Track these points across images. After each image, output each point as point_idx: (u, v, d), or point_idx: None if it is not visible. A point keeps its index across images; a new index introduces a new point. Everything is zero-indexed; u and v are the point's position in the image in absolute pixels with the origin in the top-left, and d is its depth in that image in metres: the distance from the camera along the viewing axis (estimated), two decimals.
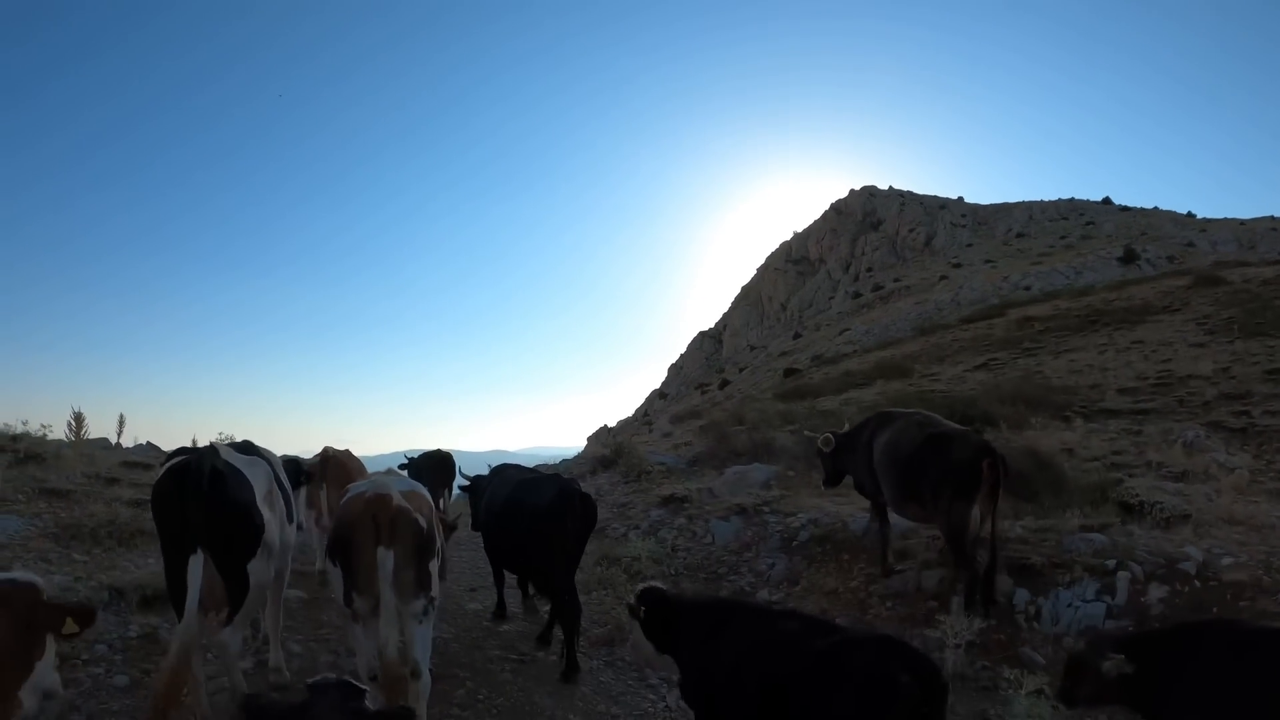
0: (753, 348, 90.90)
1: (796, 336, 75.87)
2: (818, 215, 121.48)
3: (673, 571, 10.77)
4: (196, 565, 5.41)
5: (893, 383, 25.79)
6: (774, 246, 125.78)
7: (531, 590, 9.55)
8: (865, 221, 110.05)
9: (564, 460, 28.63)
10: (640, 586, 5.83)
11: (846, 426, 10.29)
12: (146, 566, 9.12)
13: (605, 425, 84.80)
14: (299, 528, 8.04)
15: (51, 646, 4.18)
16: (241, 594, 5.87)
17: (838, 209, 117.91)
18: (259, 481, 6.39)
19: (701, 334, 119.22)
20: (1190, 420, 14.48)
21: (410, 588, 5.61)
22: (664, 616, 5.53)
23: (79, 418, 16.67)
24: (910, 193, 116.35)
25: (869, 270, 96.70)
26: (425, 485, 7.06)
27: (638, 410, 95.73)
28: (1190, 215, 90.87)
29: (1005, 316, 38.22)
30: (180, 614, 5.54)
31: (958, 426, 8.95)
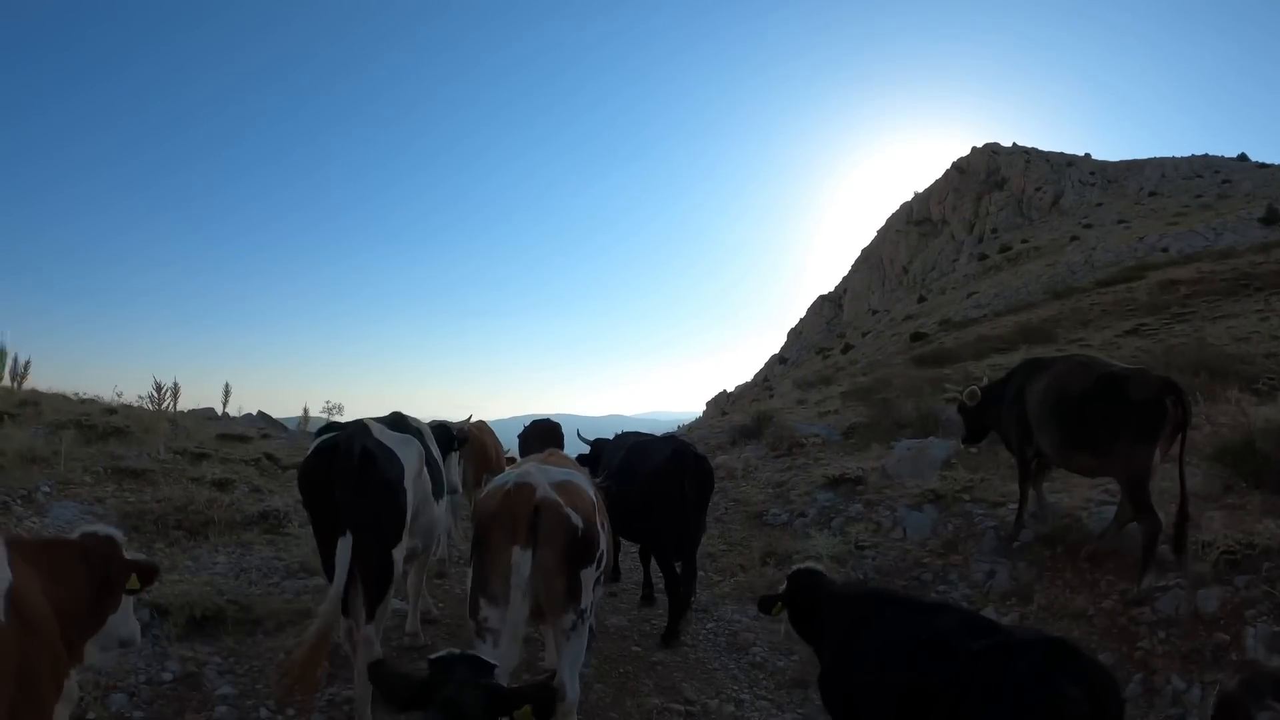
0: (874, 311, 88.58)
1: (921, 300, 73.28)
2: (939, 174, 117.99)
3: (861, 575, 8.90)
4: (345, 547, 5.14)
5: (1036, 347, 23.94)
6: (894, 207, 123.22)
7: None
8: (989, 180, 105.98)
9: (680, 425, 27.84)
10: (794, 568, 5.06)
11: (985, 381, 9.37)
12: (211, 569, 8.26)
13: (724, 390, 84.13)
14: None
15: (127, 601, 4.11)
16: (385, 581, 5.50)
17: (960, 168, 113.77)
18: (410, 461, 6.07)
19: (821, 298, 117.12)
20: None
21: (560, 600, 4.70)
22: (809, 604, 4.82)
23: (173, 389, 15.93)
24: (1035, 150, 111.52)
25: (994, 231, 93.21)
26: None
27: (757, 375, 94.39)
28: None
29: (1145, 279, 35.73)
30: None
31: (1127, 365, 7.72)
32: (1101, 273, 47.06)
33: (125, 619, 4.07)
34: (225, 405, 21.89)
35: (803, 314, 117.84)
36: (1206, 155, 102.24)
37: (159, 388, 14.50)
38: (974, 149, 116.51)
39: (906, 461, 11.59)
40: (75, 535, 3.99)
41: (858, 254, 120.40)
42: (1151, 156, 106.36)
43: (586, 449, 10.01)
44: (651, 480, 7.56)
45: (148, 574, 4.04)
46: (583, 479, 5.39)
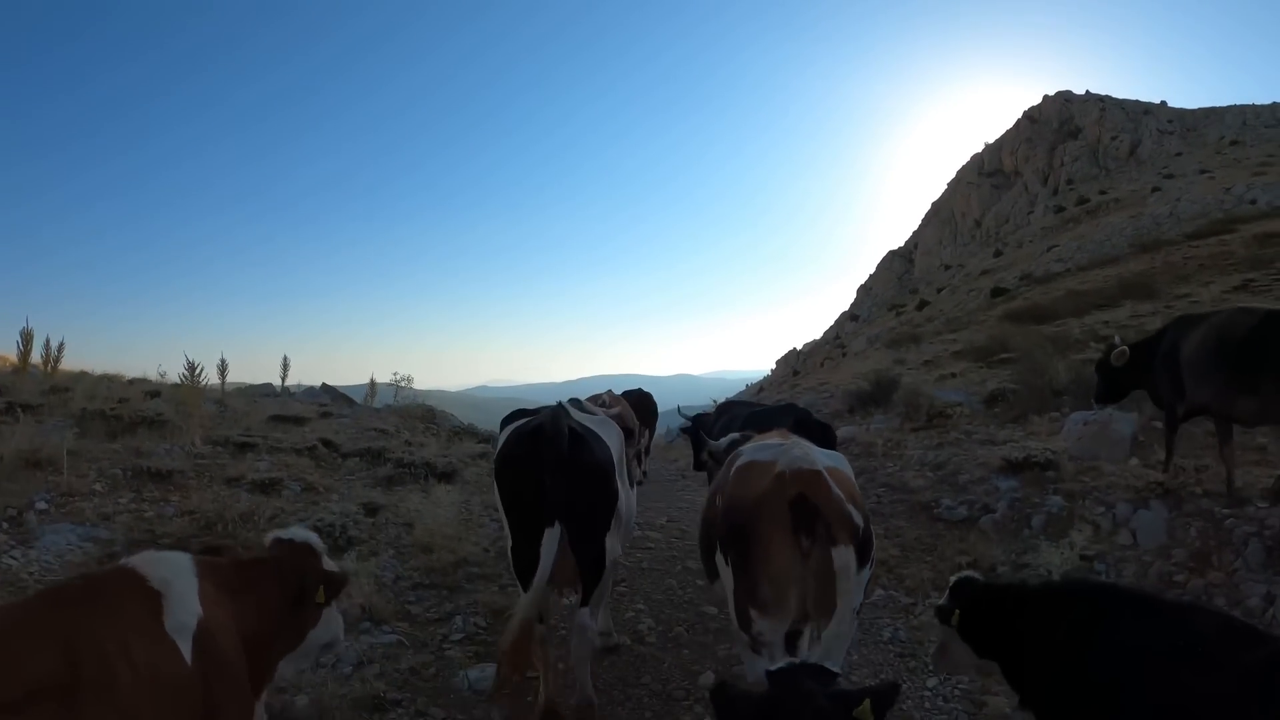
0: (947, 267, 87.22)
1: (997, 254, 71.97)
2: (1010, 124, 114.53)
3: None
4: (553, 539, 4.80)
5: (1143, 304, 23.74)
6: (965, 159, 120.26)
7: None
8: (1062, 130, 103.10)
9: (748, 385, 27.93)
10: (955, 577, 4.29)
11: (1117, 339, 8.87)
12: None
13: (794, 348, 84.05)
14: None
15: (334, 614, 3.86)
16: (599, 569, 5.22)
17: (1031, 117, 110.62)
18: (614, 443, 5.85)
19: (891, 253, 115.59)
20: None
21: (830, 606, 3.96)
22: (990, 610, 4.02)
23: (220, 366, 15.09)
24: (1109, 97, 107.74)
25: (1069, 183, 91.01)
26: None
27: (827, 332, 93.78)
28: None
29: (1237, 232, 35.12)
30: (527, 587, 5.05)
31: None
32: (1189, 225, 46.21)
33: (326, 627, 3.81)
34: (284, 379, 20.90)
35: (872, 270, 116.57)
36: None
37: (192, 367, 12.25)
38: (1046, 97, 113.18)
39: (1089, 439, 9.88)
40: (267, 545, 3.80)
41: (928, 208, 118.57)
42: (1232, 104, 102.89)
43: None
44: None
45: (335, 585, 3.77)
46: (847, 465, 4.65)
